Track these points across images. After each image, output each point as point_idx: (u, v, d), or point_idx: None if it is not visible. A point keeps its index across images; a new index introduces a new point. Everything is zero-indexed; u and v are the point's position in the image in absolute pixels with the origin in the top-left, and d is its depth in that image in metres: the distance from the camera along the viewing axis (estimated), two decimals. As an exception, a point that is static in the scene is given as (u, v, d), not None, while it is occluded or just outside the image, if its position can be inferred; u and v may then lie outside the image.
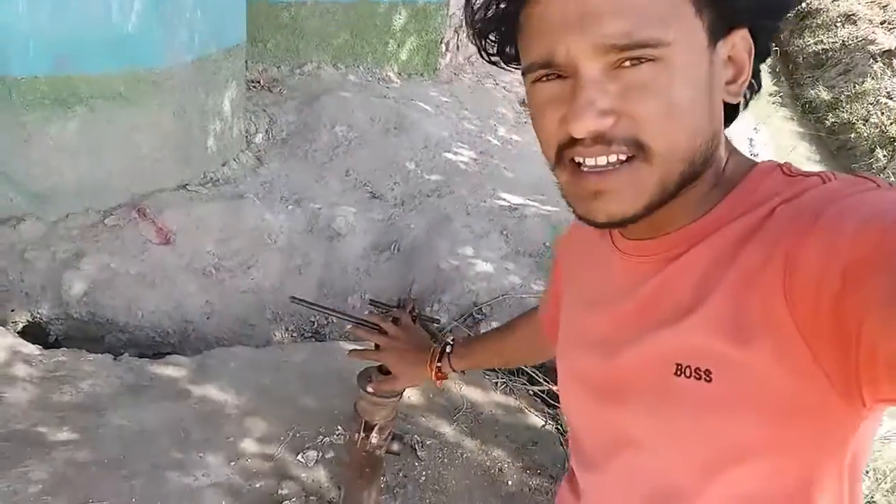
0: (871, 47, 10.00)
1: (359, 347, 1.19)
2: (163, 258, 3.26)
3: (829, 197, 0.54)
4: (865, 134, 7.54)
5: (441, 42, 5.57)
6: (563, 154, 0.60)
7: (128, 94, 3.26)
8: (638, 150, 0.56)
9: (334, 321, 3.29)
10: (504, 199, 4.16)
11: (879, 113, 7.73)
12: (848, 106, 8.29)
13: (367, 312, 1.20)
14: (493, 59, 0.69)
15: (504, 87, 6.08)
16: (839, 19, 10.76)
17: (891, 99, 8.10)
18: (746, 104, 0.66)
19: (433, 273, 3.48)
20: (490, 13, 0.63)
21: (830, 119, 8.13)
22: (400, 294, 3.38)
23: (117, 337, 3.07)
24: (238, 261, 3.39)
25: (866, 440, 0.60)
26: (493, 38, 0.66)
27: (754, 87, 0.65)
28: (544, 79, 0.59)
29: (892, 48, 9.79)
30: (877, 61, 9.57)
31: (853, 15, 10.98)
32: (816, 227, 0.51)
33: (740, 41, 0.60)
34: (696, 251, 0.62)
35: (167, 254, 3.28)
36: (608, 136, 0.56)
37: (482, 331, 3.23)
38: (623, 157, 0.57)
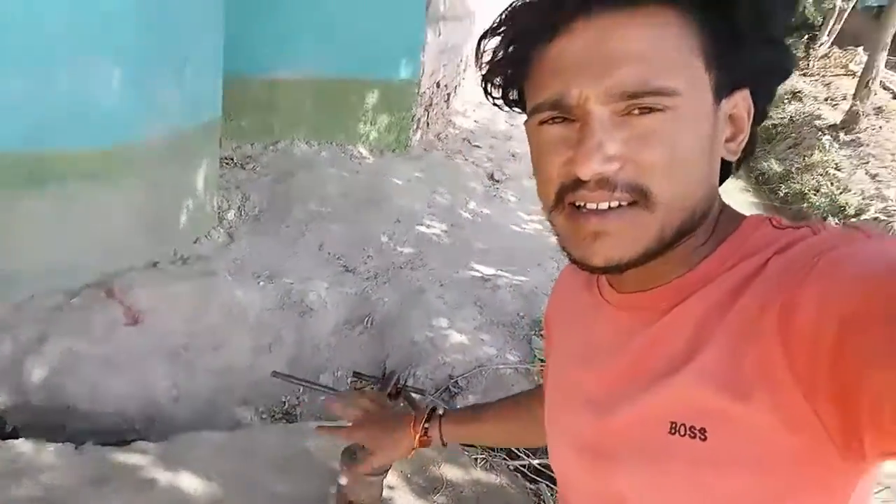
0: (817, 122, 10.51)
1: (328, 424, 1.14)
2: (130, 339, 3.17)
3: (824, 247, 0.54)
4: (818, 203, 7.80)
5: (412, 119, 5.71)
6: (564, 197, 0.60)
7: (100, 170, 3.24)
8: (640, 197, 0.57)
9: (307, 401, 3.20)
10: (477, 271, 4.18)
11: (829, 183, 8.03)
12: (799, 177, 8.61)
13: (350, 381, 1.17)
14: (496, 101, 0.69)
15: (474, 163, 6.21)
16: (786, 96, 11.34)
17: (839, 170, 8.44)
18: (738, 166, 0.67)
19: (407, 346, 3.44)
20: (501, 55, 0.63)
21: (783, 190, 8.43)
22: (373, 369, 3.32)
23: (79, 425, 2.94)
24: (207, 340, 3.31)
25: (865, 495, 0.59)
26: (499, 82, 0.66)
27: (749, 149, 0.65)
28: (551, 121, 0.59)
29: (837, 122, 10.31)
30: (824, 134, 10.03)
31: (799, 92, 11.61)
32: (812, 276, 0.51)
33: (742, 101, 0.62)
34: (689, 303, 0.61)
35: (135, 335, 3.20)
36: (612, 181, 0.56)
37: (458, 405, 3.17)
38: (625, 203, 0.57)
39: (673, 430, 0.58)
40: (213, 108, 3.94)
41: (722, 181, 0.66)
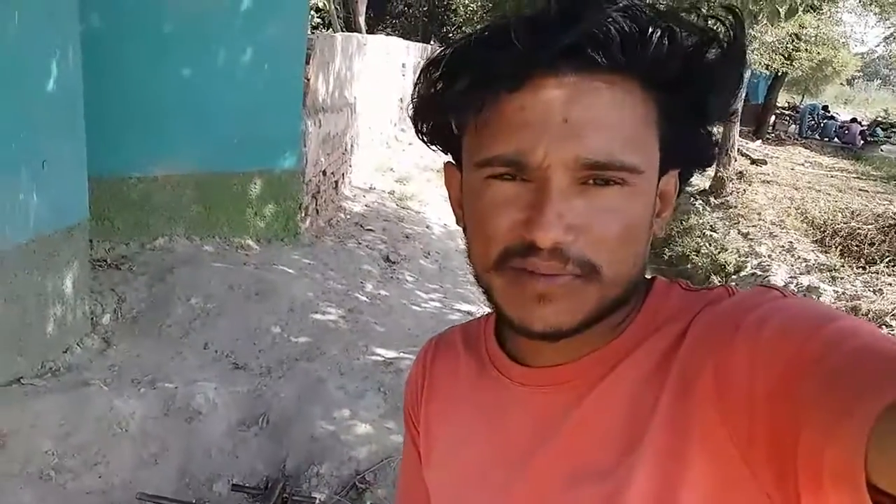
0: (689, 189, 11.34)
1: None
2: (-13, 467, 2.79)
3: (744, 307, 0.54)
4: (700, 263, 8.31)
5: (300, 207, 5.62)
6: (508, 261, 0.56)
7: (-54, 283, 2.93)
8: (589, 272, 0.55)
9: (198, 515, 2.90)
10: (378, 355, 4.06)
11: (707, 244, 8.62)
12: (680, 240, 9.17)
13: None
14: (423, 137, 0.65)
15: (367, 246, 6.15)
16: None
17: (714, 231, 9.09)
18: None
19: (308, 444, 3.23)
20: (448, 93, 0.57)
21: (667, 253, 8.93)
22: (271, 473, 3.07)
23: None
24: (82, 458, 2.97)
25: None
26: (432, 120, 0.62)
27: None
28: (501, 177, 0.56)
29: (706, 188, 11.19)
30: (696, 200, 10.83)
31: (668, 162, 12.56)
32: (738, 339, 0.51)
33: (672, 180, 0.63)
34: (617, 373, 0.59)
35: (-7, 462, 2.82)
36: (565, 254, 0.54)
37: (367, 502, 2.98)
38: (573, 275, 0.55)
39: None
40: (80, 210, 3.72)
41: None
